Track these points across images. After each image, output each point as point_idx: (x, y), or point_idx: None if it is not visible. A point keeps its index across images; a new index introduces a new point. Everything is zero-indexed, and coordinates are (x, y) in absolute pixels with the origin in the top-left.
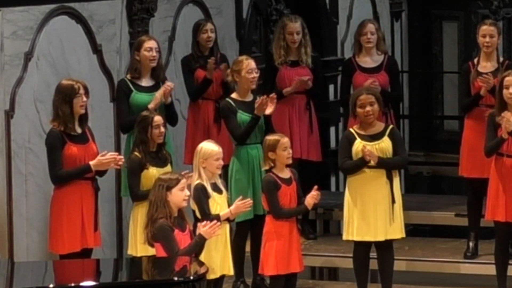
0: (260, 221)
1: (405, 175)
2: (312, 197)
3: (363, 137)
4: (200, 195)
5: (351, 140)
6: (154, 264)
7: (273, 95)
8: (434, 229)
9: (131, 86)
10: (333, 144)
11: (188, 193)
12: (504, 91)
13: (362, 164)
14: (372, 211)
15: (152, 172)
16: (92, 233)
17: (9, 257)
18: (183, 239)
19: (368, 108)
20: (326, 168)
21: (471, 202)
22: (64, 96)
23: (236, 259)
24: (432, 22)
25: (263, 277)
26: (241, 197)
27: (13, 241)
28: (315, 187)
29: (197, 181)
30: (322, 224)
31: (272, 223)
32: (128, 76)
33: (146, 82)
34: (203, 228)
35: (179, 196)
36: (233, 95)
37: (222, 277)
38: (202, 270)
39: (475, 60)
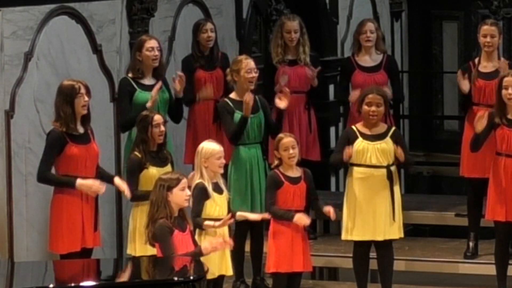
0: (259, 221)
1: (405, 175)
2: (329, 212)
3: (365, 136)
4: (198, 194)
5: (351, 138)
6: (154, 264)
7: (286, 89)
8: (434, 229)
9: (134, 84)
10: (333, 144)
11: (189, 193)
12: (503, 91)
13: (340, 159)
14: (372, 211)
15: (152, 172)
16: (92, 233)
17: (9, 257)
18: (183, 240)
19: (374, 108)
20: (326, 168)
21: (471, 202)
22: (66, 97)
23: (236, 259)
24: (432, 22)
25: (263, 277)
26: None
27: (13, 241)
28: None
29: (199, 180)
30: (322, 224)
31: (274, 221)
32: (130, 75)
33: (148, 81)
34: (204, 243)
35: (180, 196)
36: (232, 95)
37: (222, 277)
38: (202, 270)
39: (476, 60)
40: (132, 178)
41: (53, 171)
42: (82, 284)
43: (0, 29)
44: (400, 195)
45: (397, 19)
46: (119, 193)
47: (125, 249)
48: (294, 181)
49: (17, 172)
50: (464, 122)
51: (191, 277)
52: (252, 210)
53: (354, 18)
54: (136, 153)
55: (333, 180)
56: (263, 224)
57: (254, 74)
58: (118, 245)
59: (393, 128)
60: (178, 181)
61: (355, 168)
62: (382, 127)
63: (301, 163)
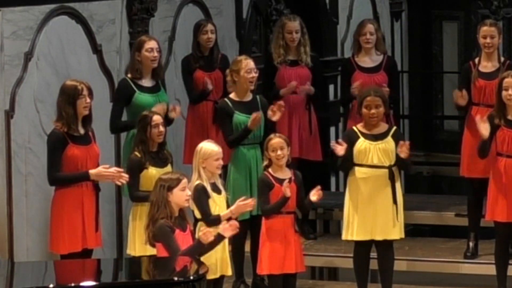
0: (259, 221)
1: (405, 175)
2: (314, 195)
3: (366, 137)
4: (201, 195)
5: (353, 138)
6: (154, 264)
7: (281, 102)
8: (434, 229)
9: (134, 86)
10: None
11: (189, 193)
12: (503, 92)
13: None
14: (373, 211)
15: (152, 172)
16: (93, 233)
17: (9, 257)
18: (184, 239)
19: (373, 110)
20: (326, 168)
21: (471, 202)
22: (68, 97)
23: (235, 259)
24: (432, 22)
25: (263, 277)
26: (243, 197)
27: (13, 241)
28: (318, 186)
29: (197, 181)
30: (322, 224)
31: (266, 223)
32: (129, 76)
33: (147, 82)
34: (200, 232)
35: (180, 196)
36: (231, 95)
37: (222, 277)
38: (202, 270)
39: (476, 60)
40: (133, 179)
41: None
42: (82, 284)
43: (0, 29)
44: (401, 195)
45: (397, 19)
46: (119, 193)
47: (125, 249)
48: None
49: (17, 172)
50: (464, 122)
51: (191, 277)
52: (252, 211)
53: (354, 18)
54: (136, 153)
55: (333, 180)
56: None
57: (254, 74)
58: (118, 245)
59: (394, 127)
60: (178, 181)
61: (357, 168)
62: (383, 127)
63: (301, 163)
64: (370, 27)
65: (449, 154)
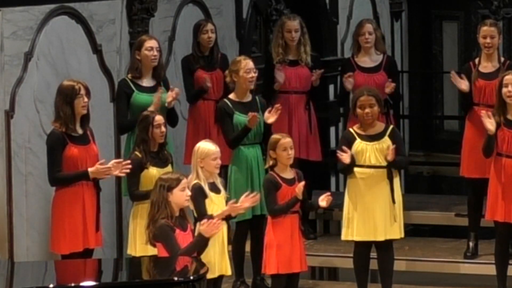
0: (259, 221)
1: (405, 175)
2: (323, 200)
3: (363, 138)
4: (197, 195)
5: (350, 140)
6: (154, 264)
7: (278, 105)
8: (434, 229)
9: (132, 86)
10: (333, 144)
11: (189, 193)
12: (504, 89)
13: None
14: (372, 211)
15: (152, 172)
16: (94, 233)
17: (9, 257)
18: (184, 239)
19: (367, 109)
20: (326, 168)
21: (471, 202)
22: (65, 97)
23: (236, 259)
24: (432, 22)
25: (263, 277)
26: (247, 193)
27: (13, 241)
28: (328, 193)
29: (195, 181)
30: (322, 224)
31: (272, 222)
32: (129, 76)
33: (147, 82)
34: (201, 226)
35: (180, 196)
36: (231, 96)
37: (221, 277)
38: (202, 270)
39: (476, 60)
40: (133, 178)
41: None
42: (82, 284)
43: (0, 29)
44: (401, 194)
45: (397, 19)
46: (119, 193)
47: (125, 249)
48: (290, 182)
49: (17, 172)
50: (464, 122)
51: (191, 277)
52: (253, 210)
53: (354, 18)
54: (137, 153)
55: (333, 180)
56: (263, 224)
57: (253, 74)
58: (118, 245)
59: (391, 126)
60: (178, 181)
61: (355, 169)
62: (379, 127)
63: (301, 163)
64: (369, 27)
65: (449, 154)
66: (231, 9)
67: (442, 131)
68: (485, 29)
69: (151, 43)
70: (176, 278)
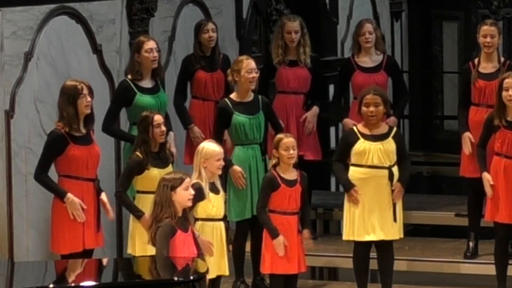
0: (260, 221)
1: None
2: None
3: (366, 137)
4: (194, 195)
5: (353, 140)
6: (154, 264)
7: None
8: (434, 229)
9: (134, 88)
10: (333, 144)
11: (192, 192)
12: (504, 93)
13: (345, 186)
14: (372, 211)
15: (153, 173)
16: (94, 233)
17: (9, 257)
18: (185, 240)
19: (372, 108)
20: (326, 168)
21: (471, 202)
22: (68, 97)
23: (236, 259)
24: (432, 22)
25: (263, 277)
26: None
27: (13, 241)
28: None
29: (196, 180)
30: (322, 224)
31: None
32: (129, 77)
33: (147, 83)
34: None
35: (184, 196)
36: (232, 95)
37: (219, 277)
38: (202, 270)
39: (476, 61)
40: (127, 177)
41: (53, 171)
42: (82, 284)
43: (0, 29)
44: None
45: (397, 19)
46: None
47: (125, 249)
48: (290, 183)
49: (17, 172)
50: None
51: (191, 277)
52: (252, 210)
53: (354, 18)
54: (138, 153)
55: (333, 180)
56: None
57: (255, 74)
58: (118, 245)
59: (395, 129)
60: (181, 180)
61: (357, 169)
62: (383, 128)
63: (301, 163)
64: (369, 27)
65: (449, 154)
66: (231, 9)
67: (442, 131)
68: (485, 29)
69: (150, 44)
70: (176, 278)
